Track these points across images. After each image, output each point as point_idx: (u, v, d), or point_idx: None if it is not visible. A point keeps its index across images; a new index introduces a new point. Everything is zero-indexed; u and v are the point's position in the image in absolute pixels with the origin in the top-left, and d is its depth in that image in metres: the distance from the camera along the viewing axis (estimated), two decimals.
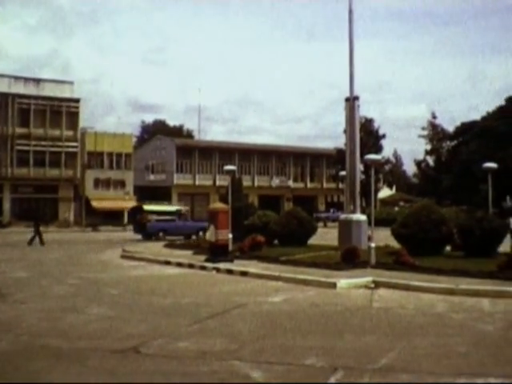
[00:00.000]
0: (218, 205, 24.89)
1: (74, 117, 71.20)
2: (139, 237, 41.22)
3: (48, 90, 69.61)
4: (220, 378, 7.64)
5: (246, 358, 8.55)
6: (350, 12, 27.27)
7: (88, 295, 15.12)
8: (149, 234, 41.20)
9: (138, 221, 43.80)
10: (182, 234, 40.40)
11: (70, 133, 70.73)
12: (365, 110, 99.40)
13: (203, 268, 20.75)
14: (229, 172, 28.11)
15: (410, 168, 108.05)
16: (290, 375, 7.79)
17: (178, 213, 46.90)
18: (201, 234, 40.64)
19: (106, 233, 54.65)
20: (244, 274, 18.82)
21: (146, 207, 47.36)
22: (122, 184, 75.98)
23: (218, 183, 77.13)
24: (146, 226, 41.99)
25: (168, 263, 22.50)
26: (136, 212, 47.91)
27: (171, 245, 29.80)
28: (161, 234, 40.85)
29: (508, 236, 22.40)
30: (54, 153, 69.68)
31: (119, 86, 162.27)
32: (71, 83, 74.17)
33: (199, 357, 8.66)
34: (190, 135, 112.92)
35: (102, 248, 32.47)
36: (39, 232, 34.91)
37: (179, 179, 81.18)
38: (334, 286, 15.88)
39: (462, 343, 9.54)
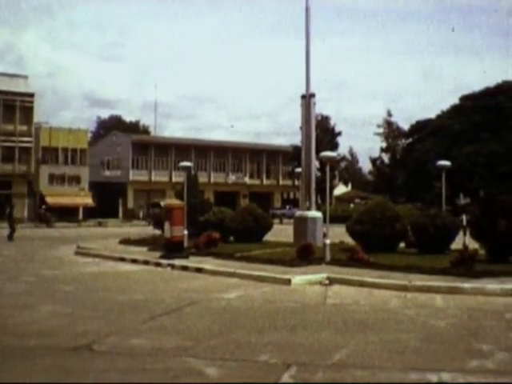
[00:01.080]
0: (173, 201, 24.85)
1: (28, 111, 70.37)
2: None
3: (1, 84, 68.62)
4: (174, 375, 7.61)
5: (200, 355, 8.54)
6: (307, 10, 27.31)
7: (41, 292, 14.97)
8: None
9: (157, 216, 44.05)
10: None
11: (24, 128, 69.95)
12: (321, 108, 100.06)
13: (158, 265, 20.67)
14: (184, 168, 28.02)
15: (365, 165, 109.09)
16: (244, 372, 7.80)
17: None
18: None
19: (70, 229, 54.09)
20: (199, 270, 18.80)
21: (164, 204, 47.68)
22: (77, 180, 75.37)
23: (174, 179, 76.82)
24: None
25: (123, 260, 22.36)
26: (155, 208, 48.35)
27: (126, 241, 29.57)
28: None
29: (461, 233, 22.68)
30: (7, 148, 68.88)
31: (75, 80, 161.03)
32: (25, 77, 73.38)
33: (153, 354, 8.63)
34: (146, 131, 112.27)
35: (58, 244, 32.12)
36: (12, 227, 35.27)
37: (135, 175, 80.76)
38: (288, 282, 15.94)
39: (415, 339, 9.64)
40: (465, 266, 16.67)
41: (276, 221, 57.44)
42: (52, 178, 73.78)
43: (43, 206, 66.98)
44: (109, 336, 9.80)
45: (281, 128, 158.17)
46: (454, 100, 72.85)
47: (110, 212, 73.27)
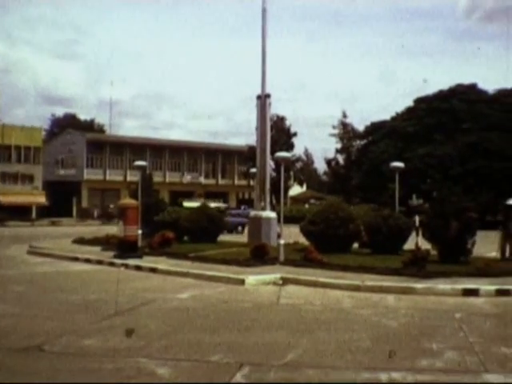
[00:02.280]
0: (127, 201, 24.65)
1: None
2: None
3: None
4: (126, 375, 7.58)
5: (152, 355, 8.51)
6: (264, 11, 27.36)
7: None
8: None
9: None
10: None
11: None
12: (278, 108, 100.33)
13: (112, 264, 20.52)
14: (139, 168, 27.86)
15: (321, 166, 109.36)
16: (196, 372, 7.79)
17: (217, 210, 47.31)
18: (240, 228, 41.71)
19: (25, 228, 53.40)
20: (153, 270, 18.72)
21: (186, 204, 50.45)
22: (30, 179, 74.44)
23: (128, 179, 76.14)
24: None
25: (76, 259, 22.14)
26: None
27: (80, 240, 29.28)
28: None
29: (413, 233, 22.94)
30: None
31: (29, 77, 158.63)
32: None
33: (105, 354, 8.57)
34: (101, 130, 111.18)
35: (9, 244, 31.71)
36: None
37: (89, 174, 80.00)
38: (242, 282, 15.96)
39: (367, 338, 9.74)
40: (417, 266, 16.90)
41: None
42: (4, 177, 72.75)
43: None
44: (61, 336, 9.71)
45: (237, 128, 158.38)
46: (409, 102, 73.63)
47: (63, 211, 72.54)
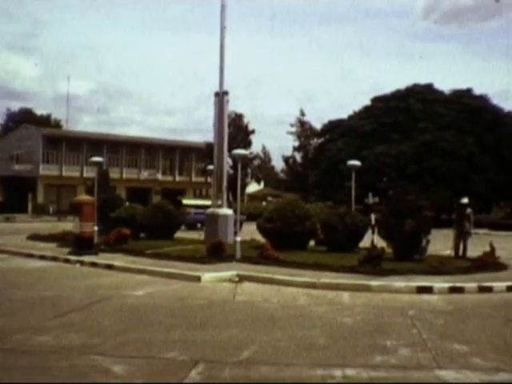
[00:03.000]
0: (83, 197, 24.45)
1: None
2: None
3: None
4: (79, 372, 7.55)
5: (107, 353, 8.47)
6: (222, 7, 27.31)
7: None
8: (188, 225, 41.64)
9: None
10: None
11: None
12: (236, 105, 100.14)
13: (67, 261, 20.35)
14: (96, 164, 27.64)
15: (278, 164, 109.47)
16: (151, 369, 7.79)
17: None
18: (199, 225, 41.44)
19: None
20: (109, 267, 18.60)
21: (185, 201, 50.40)
22: None
23: (85, 175, 75.32)
24: (185, 218, 43.00)
25: (31, 256, 21.88)
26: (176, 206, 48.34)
27: (35, 237, 28.97)
28: (199, 225, 41.12)
29: (369, 231, 23.15)
30: None
31: None
32: None
33: (59, 351, 8.51)
34: (58, 125, 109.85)
35: None
36: None
37: (45, 170, 78.93)
38: (198, 279, 15.96)
39: (322, 336, 9.82)
40: (372, 264, 17.07)
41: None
42: None
43: None
44: (14, 334, 9.61)
45: (195, 125, 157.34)
46: (366, 101, 74.07)
47: (18, 207, 71.54)
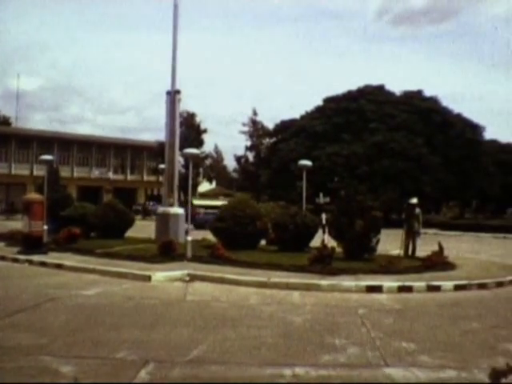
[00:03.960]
0: (32, 195, 24.11)
1: None
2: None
3: None
4: (27, 374, 7.45)
5: (55, 353, 8.39)
6: (176, 5, 27.19)
7: None
8: (198, 225, 41.92)
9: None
10: None
11: None
12: (189, 104, 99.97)
13: (16, 260, 20.09)
14: (45, 162, 27.30)
15: (231, 163, 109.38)
16: (100, 369, 7.73)
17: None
18: None
19: None
20: (58, 266, 18.42)
21: (195, 202, 51.66)
22: None
23: (35, 173, 74.44)
24: (195, 218, 44.57)
25: None
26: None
27: None
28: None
29: (320, 231, 23.31)
30: None
31: None
32: None
33: (6, 353, 8.39)
34: (7, 122, 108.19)
35: None
36: None
37: None
38: (149, 278, 15.91)
39: (272, 335, 9.86)
40: (322, 263, 17.20)
41: (139, 217, 57.16)
42: None
43: None
44: None
45: (148, 123, 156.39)
46: (318, 101, 74.45)
47: None
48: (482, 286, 15.98)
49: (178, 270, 16.88)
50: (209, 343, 9.12)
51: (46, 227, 22.65)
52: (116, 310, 11.93)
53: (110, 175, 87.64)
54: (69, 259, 19.49)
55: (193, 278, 16.18)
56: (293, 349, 8.96)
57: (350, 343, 9.34)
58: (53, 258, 19.89)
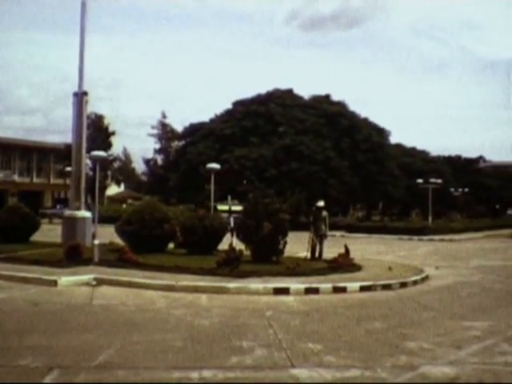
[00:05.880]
0: None
1: None
2: None
3: None
4: None
5: None
6: (83, 5, 26.76)
7: None
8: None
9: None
10: None
11: None
12: (97, 106, 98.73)
13: None
14: None
15: (140, 166, 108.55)
16: (3, 377, 7.56)
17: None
18: None
19: None
20: None
21: (219, 207, 48.73)
22: None
23: None
24: None
25: None
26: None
27: None
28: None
29: (228, 234, 23.38)
30: None
31: None
32: None
33: None
34: None
35: None
36: None
37: None
38: (55, 283, 15.62)
39: (179, 338, 9.86)
40: (230, 266, 17.25)
41: (45, 220, 56.00)
42: None
43: None
44: None
45: (55, 125, 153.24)
46: (228, 105, 74.63)
47: None
48: (386, 287, 16.40)
49: (84, 275, 16.63)
50: (116, 348, 9.04)
51: None
52: (20, 316, 11.68)
53: (16, 178, 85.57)
54: None
55: (100, 282, 15.98)
56: (200, 352, 8.98)
57: (257, 345, 9.42)
58: None
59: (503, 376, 8.11)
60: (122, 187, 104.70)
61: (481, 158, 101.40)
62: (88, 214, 25.35)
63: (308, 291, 15.25)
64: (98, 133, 74.43)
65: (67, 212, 26.42)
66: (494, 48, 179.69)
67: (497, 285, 18.41)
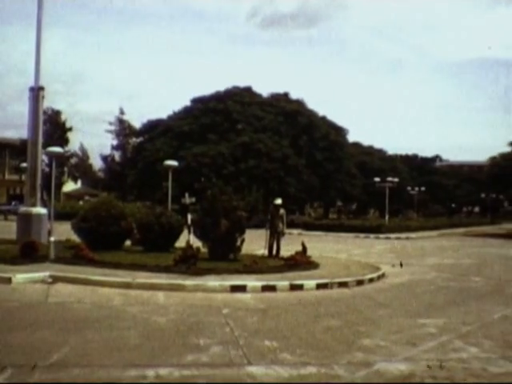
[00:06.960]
0: None
1: None
2: None
3: None
4: None
5: None
6: None
7: None
8: None
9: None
10: None
11: None
12: (54, 102, 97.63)
13: None
14: None
15: (97, 162, 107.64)
16: None
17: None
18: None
19: None
20: None
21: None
22: None
23: None
24: None
25: None
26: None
27: None
28: None
29: (185, 231, 23.32)
30: None
31: None
32: None
33: None
34: None
35: None
36: None
37: None
38: (9, 280, 15.38)
39: (135, 336, 9.82)
40: (187, 263, 17.23)
41: (0, 217, 55.39)
42: None
43: None
44: None
45: (10, 120, 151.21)
46: (186, 101, 74.41)
47: None
48: (342, 285, 16.52)
49: (40, 272, 16.41)
50: (71, 346, 8.96)
51: None
52: None
53: None
54: None
55: (56, 279, 15.80)
56: (156, 349, 8.95)
57: (214, 343, 9.42)
58: None
59: (457, 372, 8.22)
60: (79, 184, 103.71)
61: (437, 157, 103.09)
62: (44, 211, 25.06)
63: (265, 289, 15.29)
64: (55, 128, 73.75)
65: (22, 208, 26.08)
66: (449, 49, 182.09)
67: (451, 283, 18.66)
